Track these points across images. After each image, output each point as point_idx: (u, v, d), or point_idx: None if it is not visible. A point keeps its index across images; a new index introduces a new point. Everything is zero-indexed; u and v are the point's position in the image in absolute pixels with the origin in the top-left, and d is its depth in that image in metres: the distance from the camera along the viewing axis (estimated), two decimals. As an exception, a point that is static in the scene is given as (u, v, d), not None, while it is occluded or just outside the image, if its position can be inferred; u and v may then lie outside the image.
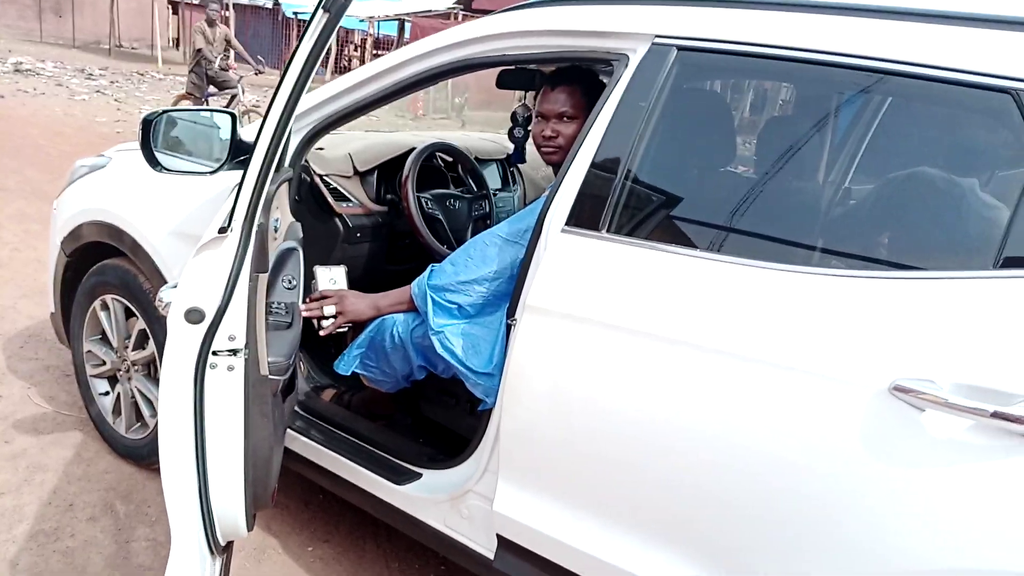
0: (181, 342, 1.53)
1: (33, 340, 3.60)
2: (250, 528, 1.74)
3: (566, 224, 1.65)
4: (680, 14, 1.64)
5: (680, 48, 1.61)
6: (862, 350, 1.33)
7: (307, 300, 2.13)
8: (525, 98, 2.83)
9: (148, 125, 2.08)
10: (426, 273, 2.02)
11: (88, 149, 7.02)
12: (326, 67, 22.34)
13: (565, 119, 2.00)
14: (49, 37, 27.40)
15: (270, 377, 1.69)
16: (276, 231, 1.98)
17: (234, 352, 1.55)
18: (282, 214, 2.09)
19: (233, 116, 2.21)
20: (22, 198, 6.10)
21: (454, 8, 19.73)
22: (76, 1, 27.14)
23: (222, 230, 1.52)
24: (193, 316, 1.51)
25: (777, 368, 1.39)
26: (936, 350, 1.28)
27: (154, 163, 2.09)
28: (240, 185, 1.50)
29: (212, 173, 2.08)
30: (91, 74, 16.39)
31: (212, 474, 1.62)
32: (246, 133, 2.28)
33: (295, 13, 22.13)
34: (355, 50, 22.63)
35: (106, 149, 2.95)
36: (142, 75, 17.64)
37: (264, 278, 1.66)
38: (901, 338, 1.32)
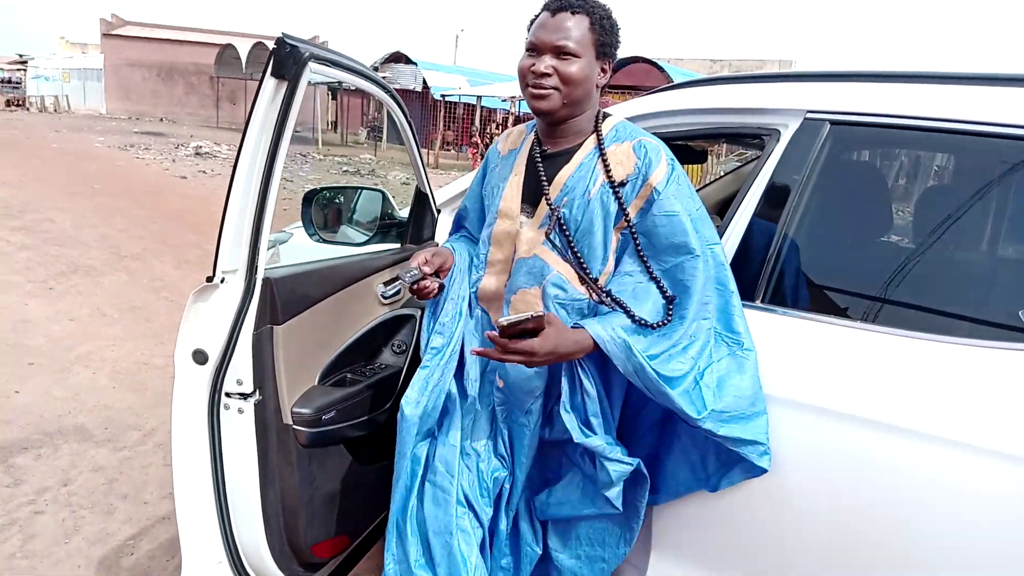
0: (189, 378, 1.65)
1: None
2: (285, 571, 1.81)
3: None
4: (832, 90, 1.68)
5: (833, 123, 1.64)
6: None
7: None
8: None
9: (309, 200, 2.29)
10: (624, 331, 1.51)
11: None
12: (468, 146, 23.45)
13: (563, 56, 1.57)
14: (224, 122, 30.38)
15: (294, 427, 1.76)
16: (387, 297, 2.10)
17: (243, 396, 1.66)
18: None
19: (383, 193, 2.41)
20: (202, 270, 6.72)
21: (593, 85, 20.24)
22: (248, 90, 29.94)
23: (209, 279, 1.63)
24: (198, 357, 1.63)
25: (945, 444, 1.35)
26: None
27: (313, 234, 2.29)
28: (219, 241, 1.61)
29: (361, 244, 2.25)
30: (260, 156, 17.92)
31: (231, 502, 1.73)
32: (401, 210, 2.47)
33: (443, 96, 23.42)
34: (497, 128, 23.60)
35: (284, 225, 3.24)
36: (304, 156, 19.10)
37: (280, 330, 1.72)
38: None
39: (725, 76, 1.94)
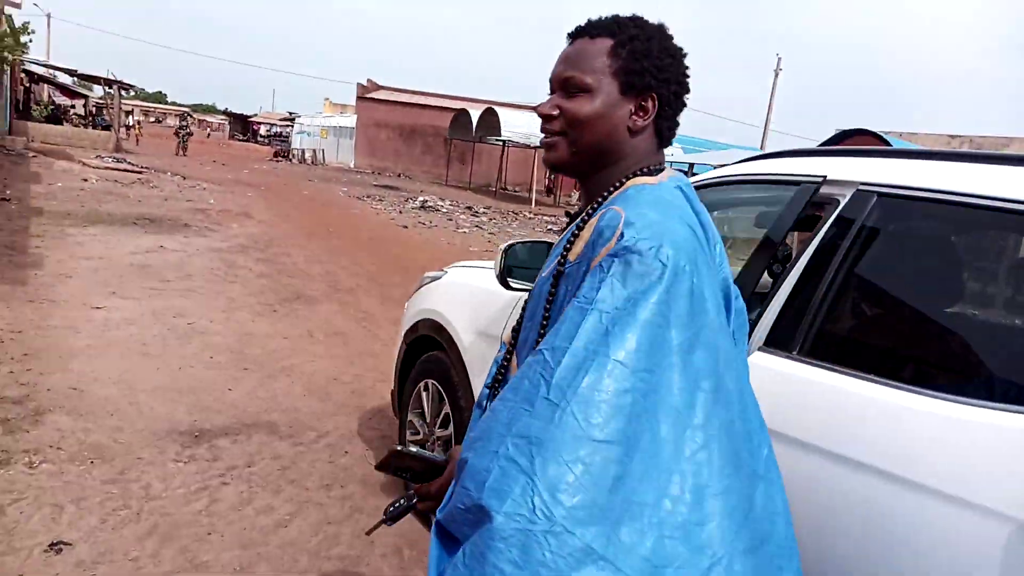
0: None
1: (379, 415, 4.49)
2: None
3: (764, 344, 1.86)
4: (883, 165, 1.83)
5: (880, 195, 1.78)
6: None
7: None
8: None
9: (506, 252, 2.52)
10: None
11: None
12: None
13: (571, 91, 1.26)
14: (452, 180, 32.76)
15: None
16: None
17: None
18: None
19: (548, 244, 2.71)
20: (400, 306, 7.49)
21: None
22: (476, 151, 32.23)
23: None
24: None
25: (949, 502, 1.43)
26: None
27: (506, 285, 2.49)
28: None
29: None
30: (476, 212, 19.29)
31: None
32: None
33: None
34: (708, 196, 23.52)
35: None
36: (516, 214, 20.26)
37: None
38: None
39: (795, 150, 2.12)
